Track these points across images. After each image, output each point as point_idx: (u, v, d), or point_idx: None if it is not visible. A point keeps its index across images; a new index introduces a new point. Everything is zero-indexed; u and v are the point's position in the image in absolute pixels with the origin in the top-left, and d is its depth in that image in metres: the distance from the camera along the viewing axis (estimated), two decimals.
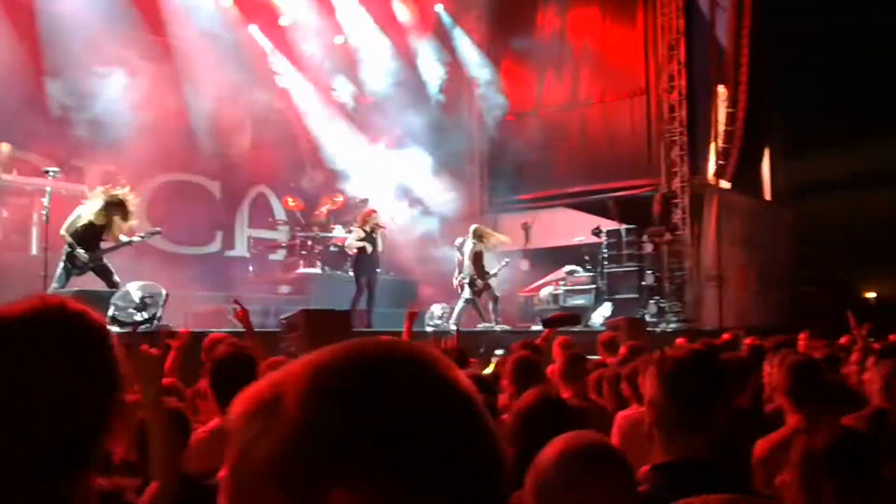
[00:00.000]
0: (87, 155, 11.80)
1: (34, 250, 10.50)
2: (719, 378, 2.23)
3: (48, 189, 9.04)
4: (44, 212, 8.93)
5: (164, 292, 8.78)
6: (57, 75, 11.68)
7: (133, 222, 9.08)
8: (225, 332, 6.72)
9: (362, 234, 11.84)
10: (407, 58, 16.25)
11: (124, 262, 9.57)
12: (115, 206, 8.82)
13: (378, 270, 12.37)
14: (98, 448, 1.09)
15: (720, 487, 1.93)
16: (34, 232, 10.63)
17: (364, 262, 11.77)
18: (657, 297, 13.85)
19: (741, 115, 14.42)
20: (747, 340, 7.12)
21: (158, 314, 8.59)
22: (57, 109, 11.63)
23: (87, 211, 8.77)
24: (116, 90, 11.64)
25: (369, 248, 11.78)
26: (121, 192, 8.92)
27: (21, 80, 11.09)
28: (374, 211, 12.25)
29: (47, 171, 9.21)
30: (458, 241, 12.87)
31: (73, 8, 11.71)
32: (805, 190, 18.24)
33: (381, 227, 12.09)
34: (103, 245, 9.03)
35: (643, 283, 13.93)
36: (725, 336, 7.37)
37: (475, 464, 0.67)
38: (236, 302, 5.71)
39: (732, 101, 14.66)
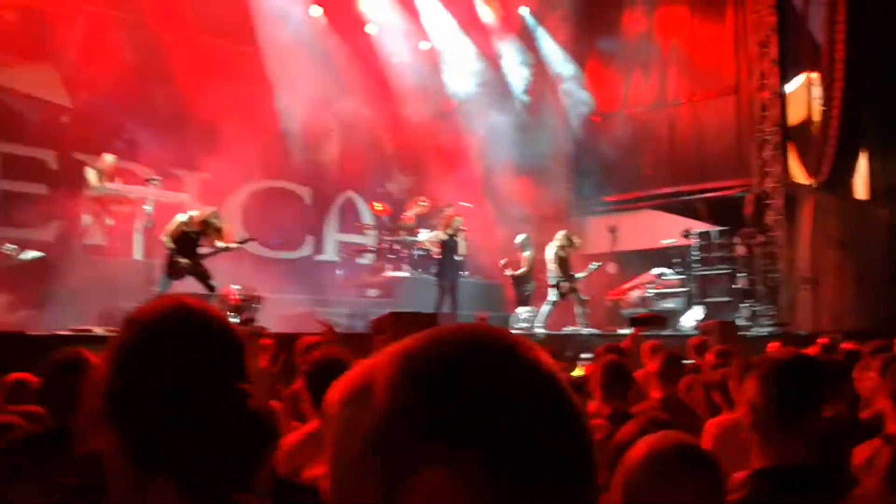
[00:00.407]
0: (185, 164, 12.28)
1: (137, 256, 11.04)
2: (818, 381, 2.21)
3: (150, 197, 9.49)
4: (146, 219, 9.38)
5: (259, 295, 9.10)
6: (159, 86, 12.21)
7: (227, 230, 9.46)
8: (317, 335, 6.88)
9: (444, 237, 11.98)
10: (491, 60, 16.32)
11: (220, 266, 9.94)
12: (210, 220, 9.22)
13: (462, 274, 12.48)
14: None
15: (819, 493, 1.91)
16: (137, 239, 11.16)
17: (447, 266, 11.89)
18: (750, 301, 13.47)
19: (836, 112, 13.85)
20: (844, 345, 6.88)
21: (254, 317, 8.90)
22: (159, 120, 12.15)
23: (187, 218, 9.17)
24: (211, 99, 12.11)
25: (457, 249, 11.90)
26: (209, 213, 9.31)
27: (124, 92, 11.63)
28: (457, 214, 12.36)
29: (149, 180, 9.67)
30: (520, 238, 12.91)
31: (167, 16, 12.26)
32: None
33: (463, 230, 12.19)
34: (201, 251, 9.41)
35: (735, 286, 13.58)
36: (822, 340, 7.12)
37: (559, 446, 0.69)
38: (320, 321, 5.86)
39: (827, 99, 14.10)
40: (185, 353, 1.14)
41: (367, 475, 0.69)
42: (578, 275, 12.34)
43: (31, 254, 10.15)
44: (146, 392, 1.11)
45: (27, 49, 11.04)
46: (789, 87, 14.55)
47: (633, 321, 8.74)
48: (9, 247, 10.08)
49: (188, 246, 9.18)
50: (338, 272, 14.44)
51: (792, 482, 2.00)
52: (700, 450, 1.77)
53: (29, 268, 9.92)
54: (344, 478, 0.72)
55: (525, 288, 12.83)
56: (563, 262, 12.19)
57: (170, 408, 1.11)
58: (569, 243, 12.30)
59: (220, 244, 9.39)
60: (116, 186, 11.07)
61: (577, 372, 6.14)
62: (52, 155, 11.76)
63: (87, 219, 11.04)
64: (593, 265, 12.65)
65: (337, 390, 0.75)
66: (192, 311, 1.19)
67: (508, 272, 12.98)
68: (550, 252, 12.27)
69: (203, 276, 9.27)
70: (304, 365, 3.59)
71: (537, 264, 12.75)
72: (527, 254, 12.88)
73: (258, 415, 1.17)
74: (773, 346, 6.38)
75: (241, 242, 9.81)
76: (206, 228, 9.18)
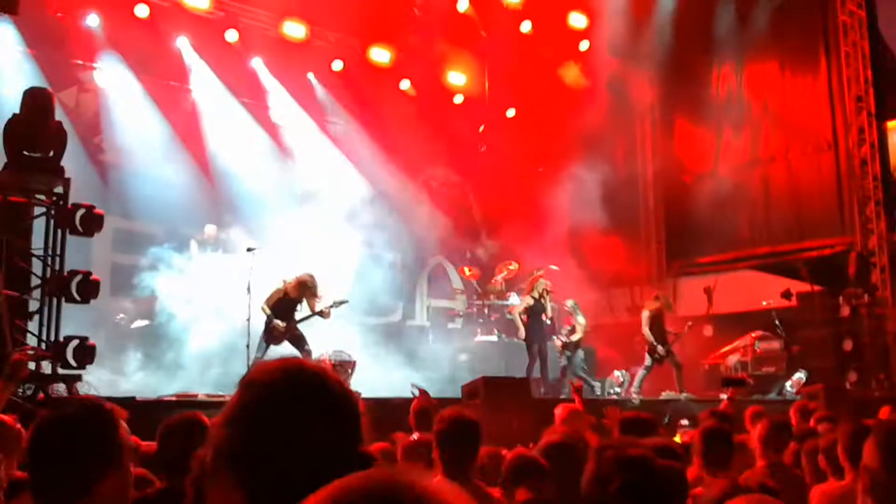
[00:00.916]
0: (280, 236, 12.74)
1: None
2: None
3: (250, 265, 9.87)
4: (246, 286, 9.74)
5: (352, 360, 9.25)
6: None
7: (322, 296, 9.71)
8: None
9: (530, 301, 11.95)
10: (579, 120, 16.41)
11: (315, 332, 10.17)
12: (307, 286, 9.50)
13: (552, 336, 12.38)
14: None
15: None
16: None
17: (535, 329, 11.84)
18: (857, 364, 12.80)
19: None
20: None
21: (348, 381, 9.04)
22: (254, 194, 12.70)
23: (284, 285, 9.47)
24: (303, 175, 12.66)
25: (544, 315, 11.85)
26: (306, 277, 9.60)
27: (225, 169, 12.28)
28: (541, 276, 12.34)
29: (250, 249, 10.07)
30: (569, 303, 12.58)
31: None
32: None
33: (550, 291, 12.13)
34: (297, 315, 9.68)
35: (841, 348, 12.94)
36: None
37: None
38: (417, 388, 5.91)
39: None
40: (305, 415, 1.17)
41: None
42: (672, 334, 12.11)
43: (140, 322, 10.68)
44: (268, 453, 1.13)
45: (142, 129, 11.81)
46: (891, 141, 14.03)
47: (724, 382, 8.44)
48: (121, 316, 10.66)
49: (285, 311, 9.46)
50: (429, 337, 14.54)
51: None
52: None
53: (137, 336, 10.42)
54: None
55: (575, 355, 12.44)
56: (657, 326, 11.97)
57: (292, 469, 1.13)
58: (664, 306, 12.09)
59: (315, 308, 9.63)
60: (219, 256, 11.61)
61: (676, 439, 5.98)
62: (161, 229, 12.43)
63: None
64: (687, 325, 12.39)
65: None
66: (310, 373, 1.21)
67: (557, 339, 12.58)
68: (645, 316, 12.07)
69: (300, 341, 9.51)
70: (437, 424, 3.64)
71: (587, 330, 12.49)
72: (580, 319, 12.55)
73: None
74: (885, 411, 6.06)
75: (334, 305, 10.03)
76: (302, 293, 9.45)
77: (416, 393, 5.90)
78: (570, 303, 12.79)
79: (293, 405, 1.18)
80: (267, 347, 9.42)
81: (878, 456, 2.07)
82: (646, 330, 11.98)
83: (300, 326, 9.74)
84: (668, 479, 1.88)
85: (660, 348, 11.87)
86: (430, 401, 5.67)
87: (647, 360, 11.94)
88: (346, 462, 1.14)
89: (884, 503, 2.03)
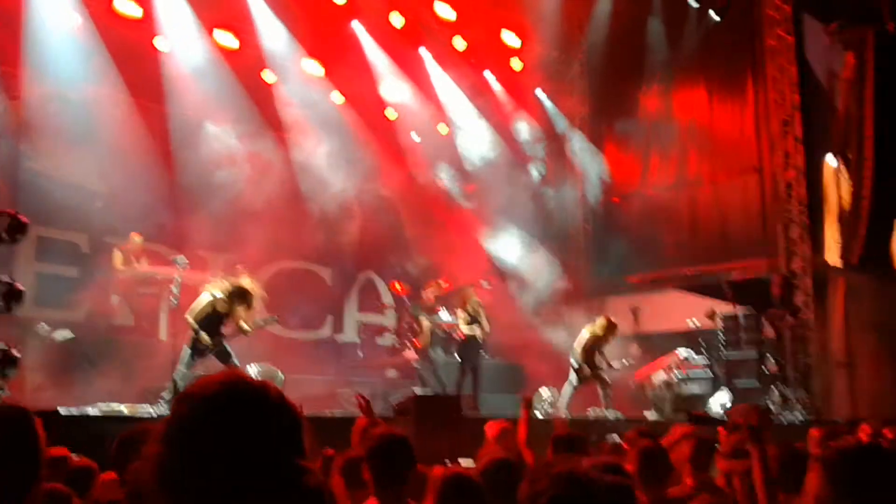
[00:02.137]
0: (209, 245, 12.39)
1: (163, 336, 11.06)
2: (889, 472, 2.11)
3: (177, 278, 9.53)
4: (173, 299, 9.40)
5: (280, 375, 9.02)
6: (182, 171, 12.46)
7: (253, 309, 9.43)
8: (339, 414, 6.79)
9: (468, 318, 11.90)
10: (508, 140, 16.54)
11: (242, 345, 9.89)
12: (239, 296, 9.19)
13: (483, 354, 12.34)
14: None
15: None
16: (163, 318, 11.22)
17: (468, 347, 11.78)
18: (781, 385, 13.13)
19: (867, 191, 13.69)
20: (886, 431, 6.64)
21: None
22: (183, 203, 12.32)
23: (211, 298, 9.17)
24: (235, 184, 12.32)
25: (477, 332, 11.81)
26: (245, 281, 9.30)
27: (151, 176, 11.88)
28: (472, 294, 12.32)
29: (175, 261, 9.74)
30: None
31: (195, 104, 12.62)
32: None
33: (480, 310, 12.10)
34: (224, 330, 9.38)
35: (764, 369, 13.26)
36: (865, 427, 6.86)
37: None
38: (360, 396, 5.78)
39: (857, 177, 13.97)
40: (243, 429, 1.11)
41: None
42: (613, 363, 12.14)
43: (62, 334, 10.26)
44: (203, 468, 1.08)
45: (63, 134, 11.34)
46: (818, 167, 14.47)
47: (694, 420, 8.40)
48: (42, 327, 10.21)
49: (211, 324, 9.16)
50: (358, 353, 14.35)
51: None
52: None
53: (60, 348, 10.03)
54: None
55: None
56: (589, 348, 11.98)
57: (228, 484, 1.08)
58: (607, 333, 12.08)
59: (243, 325, 9.34)
60: (143, 268, 11.25)
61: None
62: (85, 238, 11.97)
63: (115, 299, 11.19)
64: (624, 360, 12.51)
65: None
66: (248, 386, 1.16)
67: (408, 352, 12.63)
68: (584, 335, 12.05)
69: (225, 356, 9.21)
70: (366, 442, 3.58)
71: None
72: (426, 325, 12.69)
73: (317, 491, 1.14)
74: (814, 433, 6.15)
75: (262, 323, 9.77)
76: (233, 304, 9.16)
77: (360, 402, 5.71)
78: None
79: (227, 418, 1.11)
80: (194, 361, 9.10)
81: (829, 486, 2.03)
82: (577, 349, 12.00)
83: (226, 341, 9.43)
84: (607, 496, 1.81)
85: (585, 368, 11.90)
86: (370, 413, 5.54)
87: (573, 379, 11.95)
88: (287, 474, 1.11)
89: None
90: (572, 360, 11.99)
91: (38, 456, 1.79)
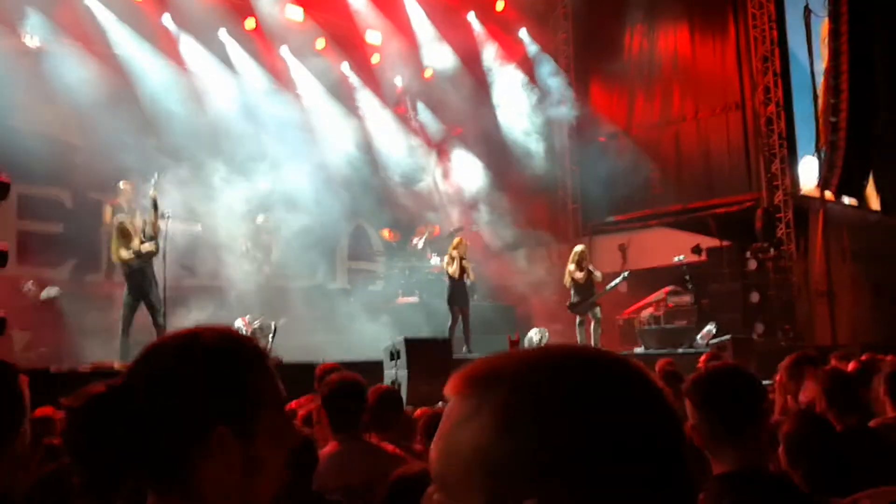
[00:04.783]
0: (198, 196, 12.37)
1: None
2: (747, 389, 2.26)
3: (163, 231, 9.55)
4: (159, 253, 9.42)
5: (273, 324, 9.15)
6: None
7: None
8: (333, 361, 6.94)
9: (456, 261, 12.01)
10: (492, 83, 16.45)
11: (235, 294, 9.99)
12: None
13: (474, 296, 12.50)
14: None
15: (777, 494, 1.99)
16: None
17: (456, 291, 11.90)
18: (764, 316, 13.40)
19: (843, 124, 13.84)
20: (863, 357, 6.84)
21: (269, 345, 8.95)
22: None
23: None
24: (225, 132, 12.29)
25: (465, 273, 11.94)
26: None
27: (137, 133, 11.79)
28: (463, 238, 12.38)
29: (163, 215, 9.72)
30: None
31: None
32: None
33: (464, 256, 12.14)
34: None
35: (748, 301, 13.52)
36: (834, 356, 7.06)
37: (676, 489, 0.66)
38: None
39: (834, 110, 14.10)
40: (218, 377, 1.13)
41: (470, 490, 0.66)
42: (609, 285, 12.33)
43: (49, 292, 10.27)
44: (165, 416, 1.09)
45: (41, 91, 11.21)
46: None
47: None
48: (28, 286, 10.21)
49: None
50: (350, 299, 14.49)
51: (744, 483, 2.08)
52: None
53: (48, 306, 10.03)
54: (447, 480, 0.69)
55: None
56: (578, 283, 12.16)
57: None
58: (581, 261, 12.22)
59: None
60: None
61: None
62: (68, 194, 11.91)
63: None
64: (621, 277, 12.62)
65: (457, 380, 0.72)
66: (215, 334, 1.17)
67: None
68: (578, 275, 12.22)
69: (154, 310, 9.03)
70: (322, 388, 3.69)
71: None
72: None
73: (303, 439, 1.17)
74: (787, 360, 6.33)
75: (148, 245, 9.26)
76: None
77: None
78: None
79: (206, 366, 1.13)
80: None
81: (695, 411, 2.21)
82: (569, 286, 12.19)
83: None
84: None
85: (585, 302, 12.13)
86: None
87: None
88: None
89: (715, 452, 2.17)
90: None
91: (19, 406, 1.78)
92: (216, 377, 1.13)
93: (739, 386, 2.24)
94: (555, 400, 0.65)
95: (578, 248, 12.51)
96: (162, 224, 9.00)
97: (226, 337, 1.18)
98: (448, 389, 0.72)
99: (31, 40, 11.35)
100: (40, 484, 2.41)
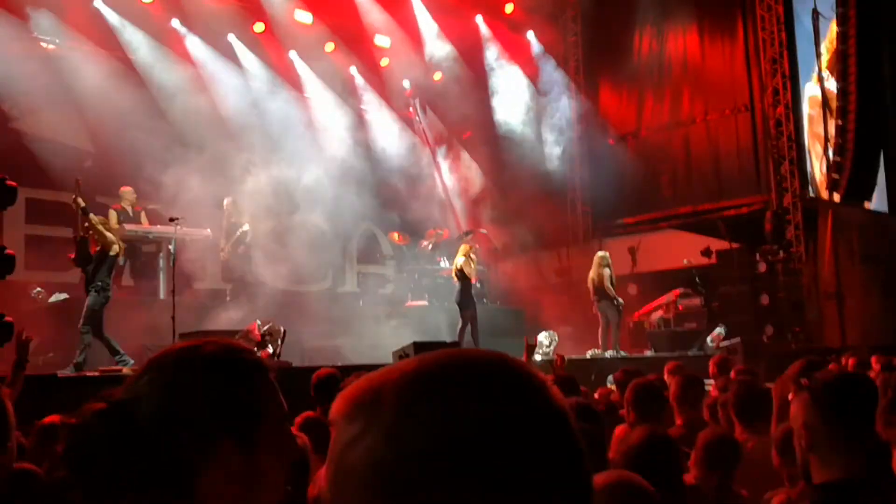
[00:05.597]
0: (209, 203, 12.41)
1: (161, 294, 11.16)
2: (872, 399, 2.25)
3: (174, 236, 9.61)
4: (171, 258, 9.49)
5: (282, 329, 9.15)
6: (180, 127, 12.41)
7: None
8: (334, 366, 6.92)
9: (470, 264, 12.02)
10: (499, 88, 16.45)
11: (245, 299, 10.00)
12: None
13: (484, 301, 12.50)
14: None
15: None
16: (161, 277, 11.29)
17: (466, 294, 11.91)
18: (773, 318, 13.34)
19: (851, 126, 13.76)
20: (873, 359, 6.81)
21: (278, 351, 8.96)
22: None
23: None
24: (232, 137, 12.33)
25: (473, 277, 11.95)
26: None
27: (147, 137, 11.83)
28: (473, 243, 12.40)
29: (172, 219, 9.79)
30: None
31: None
32: None
33: (474, 258, 12.14)
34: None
35: (758, 303, 13.46)
36: (850, 358, 7.03)
37: (564, 483, 0.69)
38: None
39: (842, 112, 14.03)
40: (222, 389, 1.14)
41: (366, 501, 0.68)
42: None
43: (57, 297, 10.30)
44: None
45: (51, 95, 11.26)
46: (805, 102, 14.52)
47: None
48: (36, 291, 10.23)
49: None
50: (360, 303, 14.50)
51: (851, 494, 2.06)
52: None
53: (56, 310, 10.04)
54: (345, 501, 0.70)
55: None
56: (599, 285, 12.30)
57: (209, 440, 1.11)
58: (604, 265, 12.40)
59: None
60: (141, 227, 11.20)
61: (596, 395, 6.12)
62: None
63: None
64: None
65: (342, 401, 0.73)
66: (237, 349, 1.19)
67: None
68: (606, 271, 12.39)
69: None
70: (315, 396, 3.73)
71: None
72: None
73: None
74: (795, 366, 6.29)
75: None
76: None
77: None
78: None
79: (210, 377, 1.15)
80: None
81: (813, 411, 2.16)
82: (608, 284, 12.31)
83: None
84: None
85: (618, 300, 12.32)
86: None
87: (614, 315, 12.26)
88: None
89: (825, 456, 2.13)
90: (613, 299, 12.28)
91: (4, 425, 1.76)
92: (218, 390, 1.14)
93: (868, 396, 2.24)
94: (436, 417, 0.68)
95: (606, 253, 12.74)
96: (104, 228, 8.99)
97: (227, 350, 1.19)
98: (333, 412, 0.73)
99: (43, 43, 11.40)
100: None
